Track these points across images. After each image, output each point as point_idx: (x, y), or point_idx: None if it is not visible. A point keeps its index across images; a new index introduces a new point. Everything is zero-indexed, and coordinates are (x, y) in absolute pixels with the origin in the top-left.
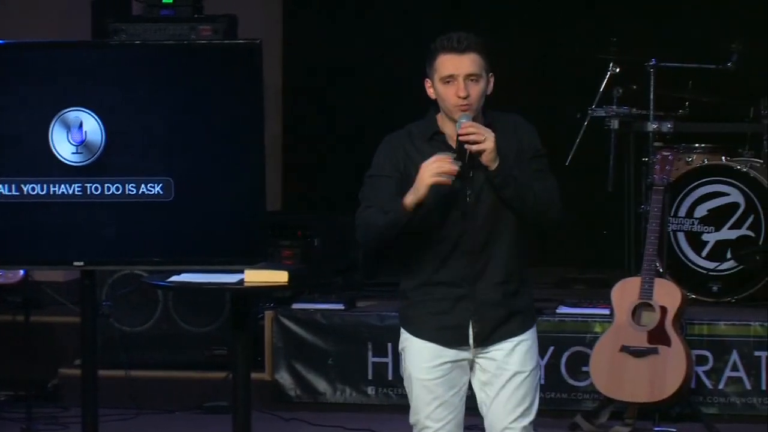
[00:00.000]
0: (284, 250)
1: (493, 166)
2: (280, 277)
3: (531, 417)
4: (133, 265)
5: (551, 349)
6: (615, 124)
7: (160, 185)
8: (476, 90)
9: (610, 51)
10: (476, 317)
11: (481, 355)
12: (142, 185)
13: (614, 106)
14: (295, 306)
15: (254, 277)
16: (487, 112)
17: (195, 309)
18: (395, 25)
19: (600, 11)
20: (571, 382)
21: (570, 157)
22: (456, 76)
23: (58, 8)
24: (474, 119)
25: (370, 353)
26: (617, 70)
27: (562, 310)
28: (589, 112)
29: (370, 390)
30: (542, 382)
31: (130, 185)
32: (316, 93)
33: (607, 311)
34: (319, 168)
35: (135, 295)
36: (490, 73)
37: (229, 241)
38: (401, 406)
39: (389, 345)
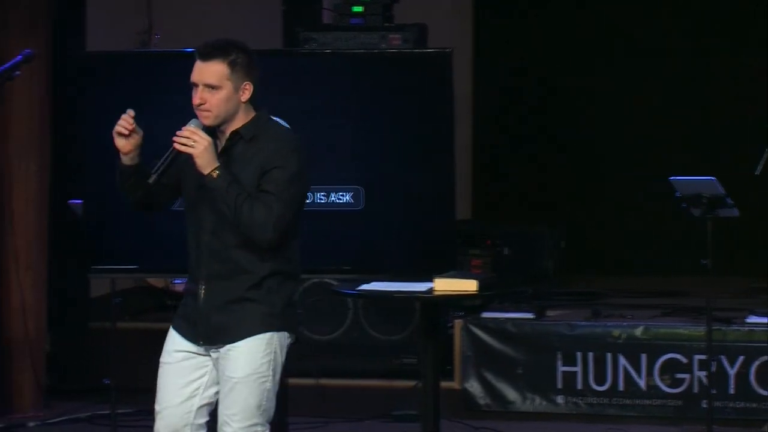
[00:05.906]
0: (473, 258)
1: (205, 171)
2: (470, 285)
3: None
4: (323, 274)
5: (741, 358)
6: None
7: (350, 194)
8: (214, 99)
9: None
10: (202, 317)
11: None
12: (332, 194)
13: None
14: (485, 315)
15: (443, 285)
16: (264, 122)
17: (384, 317)
18: (588, 30)
19: None
20: (761, 391)
21: (761, 165)
22: (196, 84)
23: (250, 17)
24: (227, 125)
25: (559, 362)
26: None
27: (752, 319)
28: None
29: (560, 399)
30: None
31: (320, 194)
32: (506, 101)
33: None
34: (509, 176)
35: (325, 303)
36: (245, 82)
37: (418, 249)
38: (591, 415)
39: (578, 354)
